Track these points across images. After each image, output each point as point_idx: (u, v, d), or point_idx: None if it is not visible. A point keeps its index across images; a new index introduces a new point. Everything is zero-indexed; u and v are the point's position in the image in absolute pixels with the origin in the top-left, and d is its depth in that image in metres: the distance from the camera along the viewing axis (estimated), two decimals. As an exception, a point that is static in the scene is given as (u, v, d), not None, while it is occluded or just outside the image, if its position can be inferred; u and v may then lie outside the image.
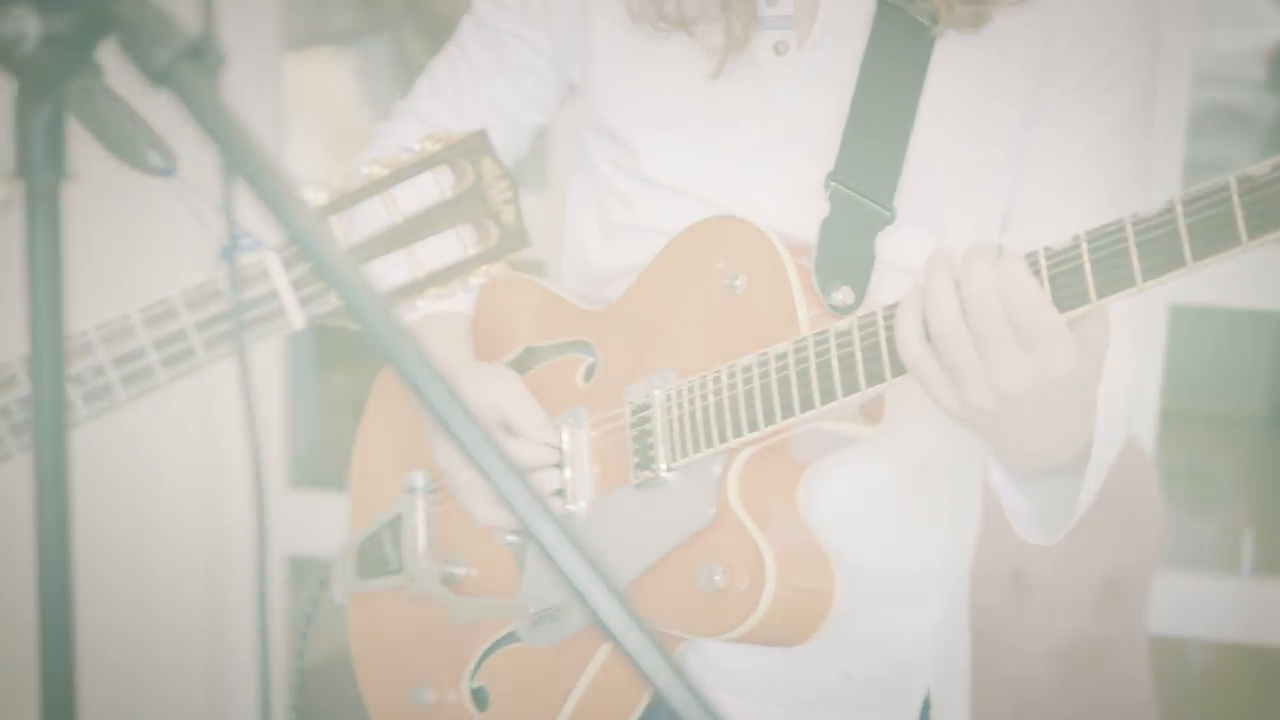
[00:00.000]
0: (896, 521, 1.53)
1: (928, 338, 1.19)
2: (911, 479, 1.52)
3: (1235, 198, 1.07)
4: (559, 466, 1.49)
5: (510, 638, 1.53)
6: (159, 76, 0.90)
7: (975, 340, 1.16)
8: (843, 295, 1.38)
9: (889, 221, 1.42)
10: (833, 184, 1.42)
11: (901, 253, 1.44)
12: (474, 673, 1.55)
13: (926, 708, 1.59)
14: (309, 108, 3.86)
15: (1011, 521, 1.36)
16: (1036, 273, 1.16)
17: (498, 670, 1.54)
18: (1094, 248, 1.14)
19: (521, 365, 1.57)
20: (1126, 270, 1.12)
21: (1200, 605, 2.70)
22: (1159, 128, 2.31)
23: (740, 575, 1.35)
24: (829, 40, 1.44)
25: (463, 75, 1.63)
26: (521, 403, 1.48)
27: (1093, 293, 1.14)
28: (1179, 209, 1.10)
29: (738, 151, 1.48)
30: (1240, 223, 1.07)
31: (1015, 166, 1.45)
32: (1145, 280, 1.12)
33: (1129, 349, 1.41)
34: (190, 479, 2.71)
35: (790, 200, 1.45)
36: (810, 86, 1.45)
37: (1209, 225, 1.09)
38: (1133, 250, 1.12)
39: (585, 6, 1.53)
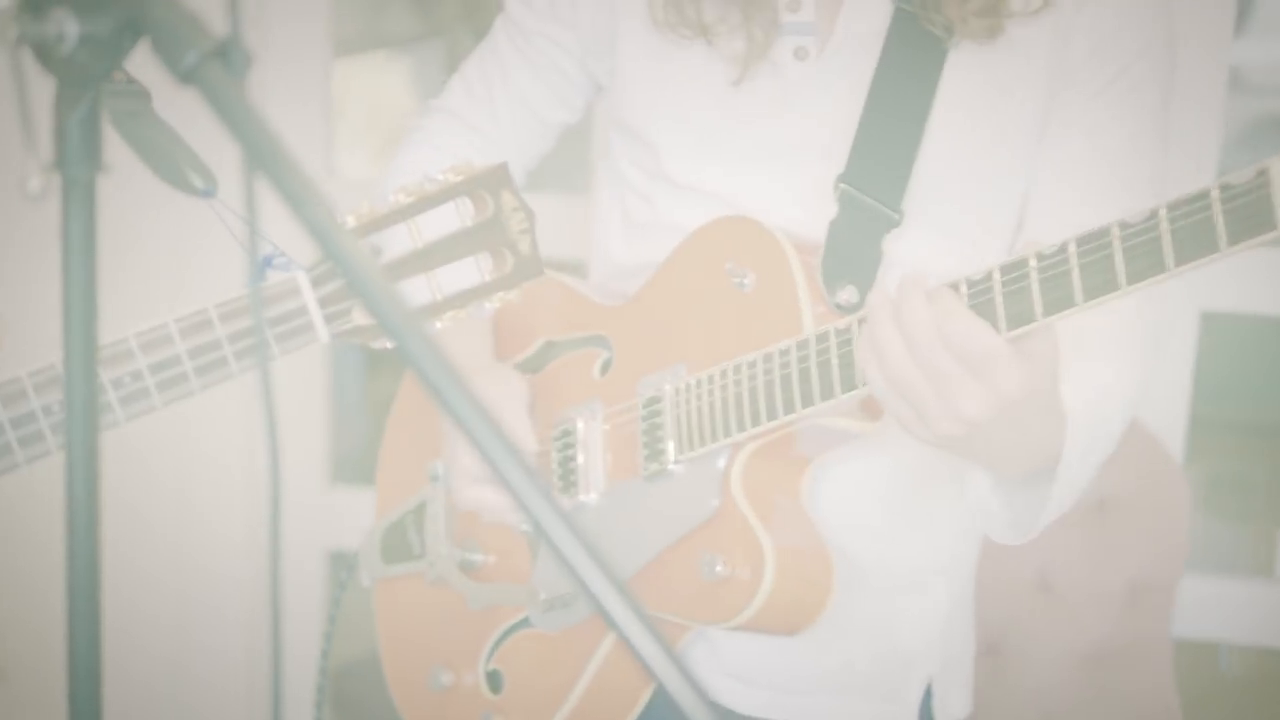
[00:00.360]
0: (902, 515, 1.57)
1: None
2: (917, 474, 1.55)
3: (1216, 205, 1.10)
4: (567, 438, 1.55)
5: (524, 623, 1.58)
6: (187, 76, 0.95)
7: (927, 377, 1.20)
8: (847, 294, 1.42)
9: (896, 224, 1.45)
10: (842, 186, 1.45)
11: (910, 254, 1.47)
12: (489, 656, 1.61)
13: (928, 696, 1.62)
14: (363, 112, 3.92)
15: (982, 522, 1.39)
16: (987, 294, 1.20)
17: (512, 654, 1.59)
18: (1082, 252, 1.17)
19: (541, 359, 1.62)
20: (1110, 275, 1.16)
21: (1233, 609, 2.70)
22: (1192, 138, 2.35)
23: (741, 565, 1.40)
24: (849, 45, 1.48)
25: (493, 74, 1.68)
26: (512, 411, 1.54)
27: (1079, 296, 1.17)
28: (1163, 215, 1.13)
29: (756, 153, 1.52)
30: (1221, 230, 1.10)
31: (1029, 172, 1.48)
32: (1086, 300, 1.16)
33: (1125, 352, 1.43)
34: (234, 475, 2.77)
35: (804, 201, 1.48)
36: (829, 91, 1.49)
37: (1191, 231, 1.12)
38: (1074, 271, 1.16)
39: (612, 9, 1.58)
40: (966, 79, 1.46)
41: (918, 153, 1.46)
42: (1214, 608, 2.68)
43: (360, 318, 1.21)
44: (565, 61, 1.64)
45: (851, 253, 1.44)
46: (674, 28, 1.52)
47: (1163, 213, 1.13)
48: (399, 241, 1.22)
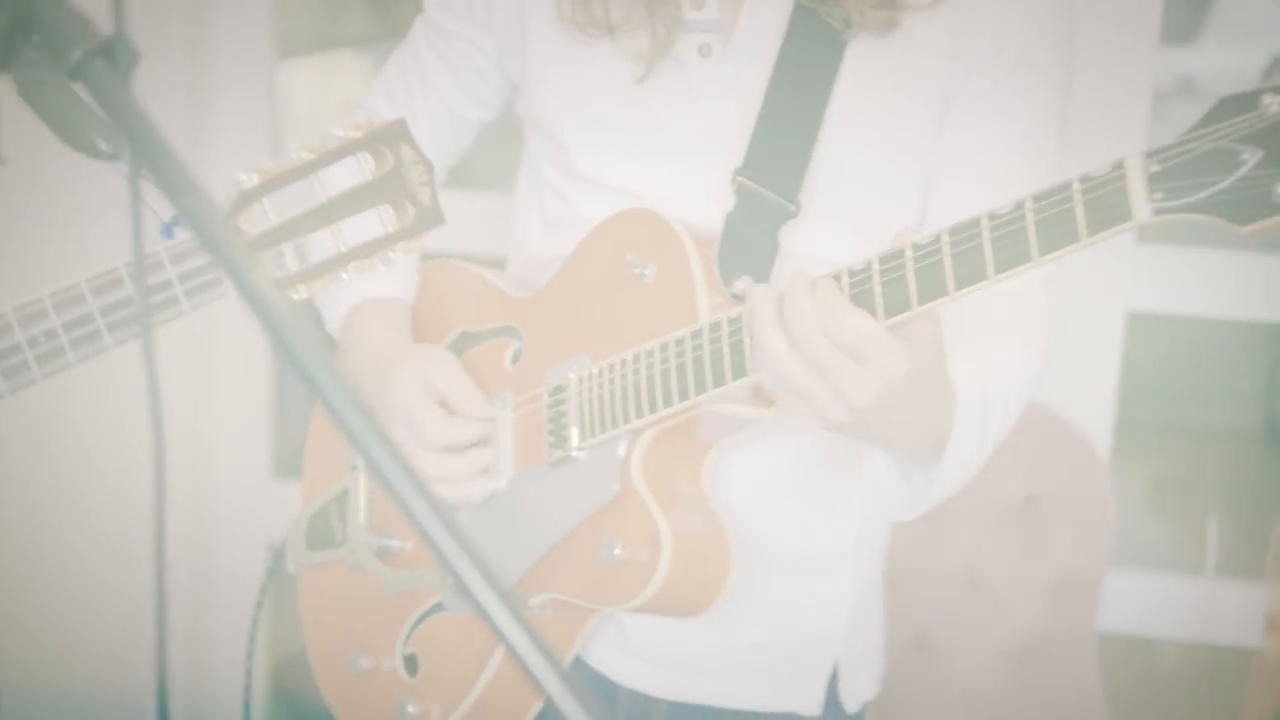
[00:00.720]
0: (807, 499, 1.61)
1: None
2: (819, 460, 1.59)
3: (1077, 196, 1.15)
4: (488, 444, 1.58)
5: (438, 607, 1.62)
6: (73, 72, 0.99)
7: (814, 369, 1.25)
8: (743, 284, 1.46)
9: (793, 215, 1.50)
10: (739, 179, 1.50)
11: (809, 245, 1.52)
12: (406, 640, 1.65)
13: (834, 679, 1.66)
14: (317, 111, 3.96)
15: (881, 498, 1.44)
16: (867, 284, 1.24)
17: (427, 637, 1.63)
18: (954, 241, 1.21)
19: (457, 349, 1.66)
20: (979, 264, 1.20)
21: (1167, 605, 2.75)
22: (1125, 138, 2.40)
23: (639, 549, 1.44)
24: (751, 41, 1.52)
25: (412, 75, 1.73)
26: (457, 381, 1.57)
27: (951, 286, 1.22)
28: (1028, 206, 1.18)
29: (662, 149, 1.56)
30: (1080, 220, 1.15)
31: (930, 164, 1.53)
32: (958, 289, 1.20)
33: (1021, 335, 1.47)
34: (175, 469, 2.80)
35: (710, 195, 1.52)
36: (732, 87, 1.53)
37: (1054, 222, 1.17)
38: (947, 260, 1.20)
39: (523, 10, 1.62)
40: (865, 72, 1.50)
41: (815, 145, 1.50)
42: (1148, 604, 2.72)
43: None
44: (482, 62, 1.68)
45: (748, 244, 1.48)
46: (581, 26, 1.56)
47: (1028, 204, 1.17)
48: (304, 196, 1.26)
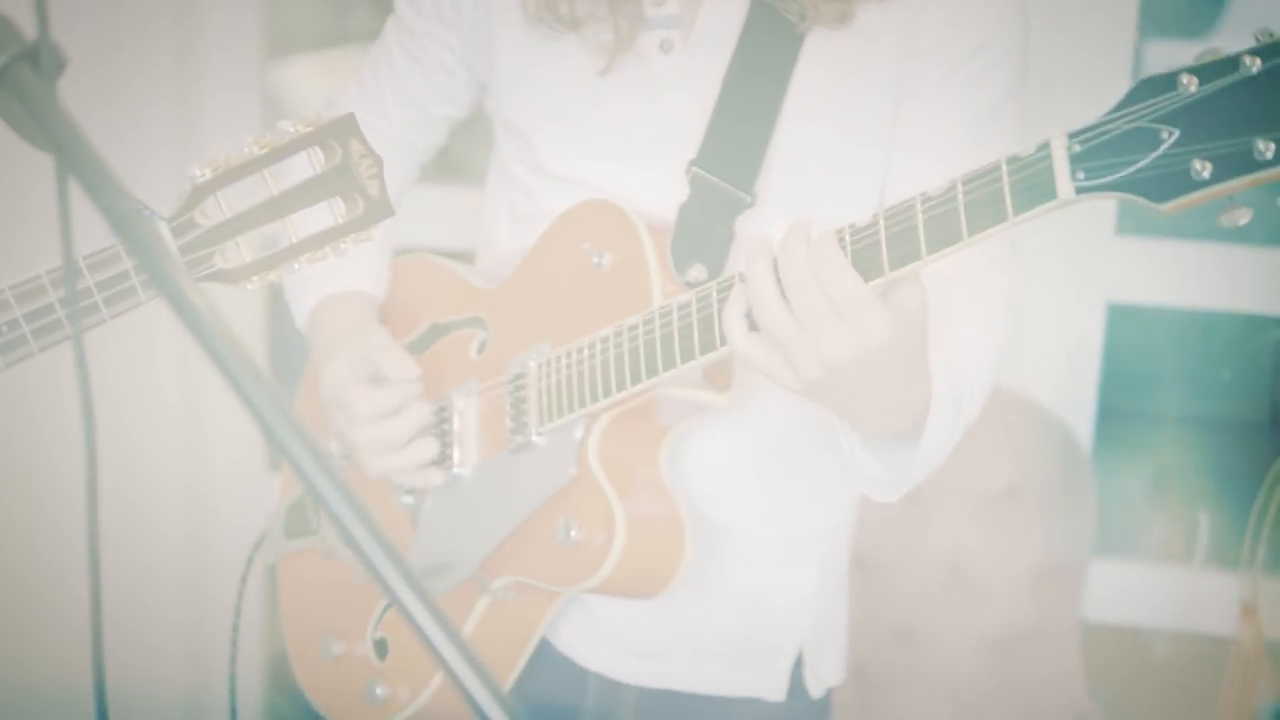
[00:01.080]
0: (772, 489, 1.64)
1: (751, 327, 1.29)
2: (784, 448, 1.61)
3: (1005, 177, 1.17)
4: (444, 414, 1.61)
5: (406, 591, 1.65)
6: (-4, 77, 1.01)
7: (796, 316, 1.24)
8: (696, 272, 1.49)
9: (749, 205, 1.52)
10: (694, 169, 1.53)
11: (766, 234, 1.54)
12: (376, 625, 1.68)
13: (799, 666, 1.69)
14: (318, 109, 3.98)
15: (856, 480, 1.45)
16: (843, 248, 1.25)
17: (395, 622, 1.66)
18: (889, 223, 1.24)
19: (427, 340, 1.70)
20: (914, 244, 1.22)
21: (1157, 595, 2.76)
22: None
23: (595, 531, 1.47)
24: (710, 38, 1.55)
25: (383, 74, 1.76)
26: (385, 350, 1.60)
27: (886, 266, 1.24)
28: (959, 187, 1.20)
29: (624, 143, 1.59)
30: (1008, 200, 1.17)
31: (886, 155, 1.55)
32: (929, 253, 1.21)
33: (983, 319, 1.49)
34: (172, 465, 2.84)
35: (669, 188, 1.55)
36: (693, 82, 1.56)
37: (984, 202, 1.19)
38: (882, 242, 1.22)
39: (489, 10, 1.65)
40: (821, 64, 1.53)
41: (771, 137, 1.53)
42: (1133, 593, 2.74)
43: (221, 261, 1.29)
44: (451, 61, 1.72)
45: (702, 233, 1.51)
46: (546, 22, 1.59)
47: (959, 185, 1.19)
48: (255, 190, 1.29)
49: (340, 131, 1.30)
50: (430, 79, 1.73)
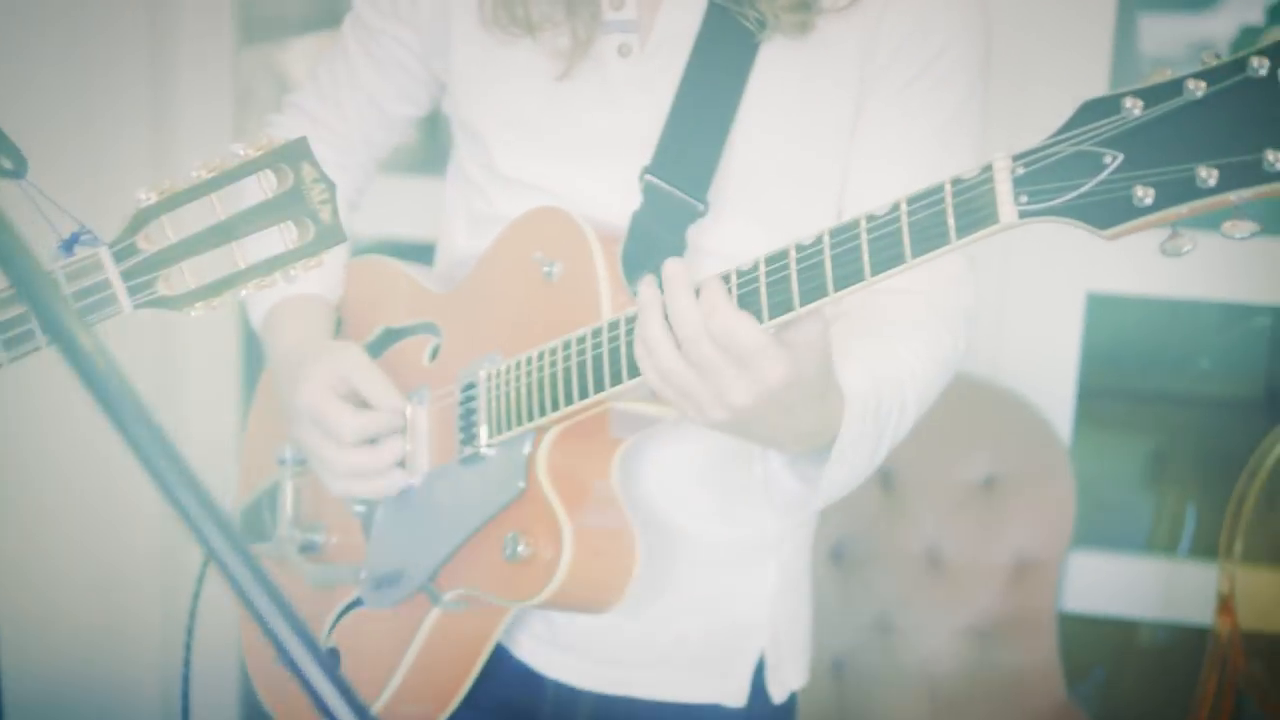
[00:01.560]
0: (727, 493, 1.61)
1: None
2: (741, 453, 1.58)
3: (948, 199, 1.14)
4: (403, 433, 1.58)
5: (358, 602, 1.63)
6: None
7: (696, 370, 1.24)
8: (645, 283, 1.46)
9: (701, 214, 1.50)
10: (647, 177, 1.50)
11: (718, 244, 1.52)
12: (329, 634, 1.66)
13: (761, 670, 1.67)
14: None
15: (772, 498, 1.43)
16: (754, 284, 1.23)
17: (348, 631, 1.65)
18: (800, 256, 1.21)
19: (381, 345, 1.67)
20: (820, 280, 1.20)
21: (1143, 586, 2.75)
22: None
23: (543, 546, 1.45)
24: (668, 43, 1.52)
25: (340, 72, 1.73)
26: (367, 373, 1.56)
27: (796, 301, 1.21)
28: (904, 208, 1.17)
29: (582, 148, 1.56)
30: (951, 223, 1.14)
31: (844, 164, 1.52)
32: (836, 290, 1.19)
33: (925, 331, 1.46)
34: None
35: (625, 195, 1.53)
36: (649, 87, 1.53)
37: (927, 224, 1.16)
38: (827, 261, 1.19)
39: (447, 9, 1.62)
40: (778, 73, 1.50)
41: (725, 145, 1.50)
42: (1114, 583, 2.73)
43: (164, 288, 1.27)
44: (409, 59, 1.69)
45: (655, 242, 1.48)
46: (503, 26, 1.56)
47: (903, 205, 1.17)
48: (202, 214, 1.27)
49: (292, 155, 1.28)
50: (388, 77, 1.71)
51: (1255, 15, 2.99)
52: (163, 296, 1.27)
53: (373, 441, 1.55)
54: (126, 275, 1.27)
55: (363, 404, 1.56)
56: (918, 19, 1.48)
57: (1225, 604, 2.34)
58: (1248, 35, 3.07)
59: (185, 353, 2.86)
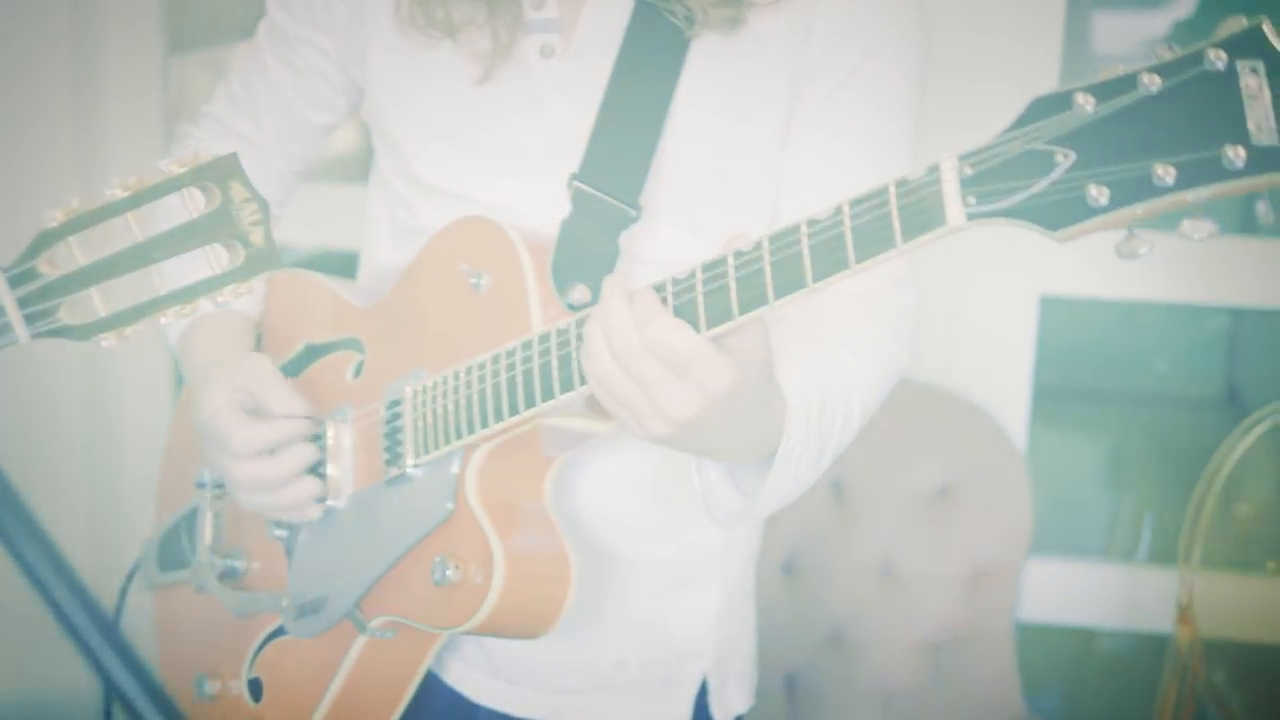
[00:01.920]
0: (668, 508, 1.54)
1: None
2: (677, 469, 1.52)
3: (893, 201, 1.08)
4: (317, 442, 1.51)
5: (280, 631, 1.56)
6: None
7: (634, 381, 1.17)
8: (579, 294, 1.39)
9: (634, 220, 1.43)
10: (575, 184, 1.43)
11: (652, 250, 1.45)
12: (251, 664, 1.58)
13: (704, 693, 1.60)
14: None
15: (710, 510, 1.35)
16: (690, 293, 1.16)
17: (270, 662, 1.57)
18: (739, 263, 1.14)
19: (303, 361, 1.60)
20: (798, 272, 1.13)
21: (1101, 593, 2.71)
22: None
23: (473, 570, 1.37)
24: (593, 43, 1.45)
25: (255, 79, 1.65)
26: (268, 383, 1.48)
27: (736, 310, 1.14)
28: (846, 211, 1.11)
29: (505, 155, 1.49)
30: (896, 226, 1.08)
31: (779, 167, 1.46)
32: (777, 298, 1.12)
33: (867, 337, 1.40)
34: (79, 473, 2.75)
35: (553, 202, 1.46)
36: (575, 89, 1.46)
37: (871, 227, 1.09)
38: (767, 268, 1.12)
39: (363, 13, 1.55)
40: (709, 72, 1.44)
41: (657, 147, 1.43)
42: (1071, 591, 2.68)
43: (67, 316, 1.18)
44: (325, 65, 1.61)
45: (586, 251, 1.42)
46: (421, 29, 1.49)
47: (846, 208, 1.10)
48: (118, 236, 1.18)
49: (219, 173, 1.19)
50: (304, 84, 1.63)
51: (1208, 12, 2.96)
52: (65, 325, 1.19)
53: (273, 452, 1.47)
54: (24, 302, 1.19)
55: (261, 410, 1.48)
56: (851, 14, 1.43)
57: (1184, 614, 2.28)
58: (1180, 30, 3.03)
59: (117, 378, 2.78)
